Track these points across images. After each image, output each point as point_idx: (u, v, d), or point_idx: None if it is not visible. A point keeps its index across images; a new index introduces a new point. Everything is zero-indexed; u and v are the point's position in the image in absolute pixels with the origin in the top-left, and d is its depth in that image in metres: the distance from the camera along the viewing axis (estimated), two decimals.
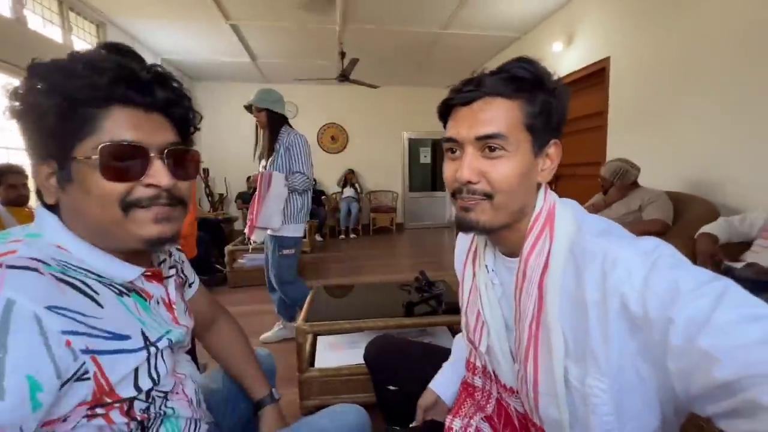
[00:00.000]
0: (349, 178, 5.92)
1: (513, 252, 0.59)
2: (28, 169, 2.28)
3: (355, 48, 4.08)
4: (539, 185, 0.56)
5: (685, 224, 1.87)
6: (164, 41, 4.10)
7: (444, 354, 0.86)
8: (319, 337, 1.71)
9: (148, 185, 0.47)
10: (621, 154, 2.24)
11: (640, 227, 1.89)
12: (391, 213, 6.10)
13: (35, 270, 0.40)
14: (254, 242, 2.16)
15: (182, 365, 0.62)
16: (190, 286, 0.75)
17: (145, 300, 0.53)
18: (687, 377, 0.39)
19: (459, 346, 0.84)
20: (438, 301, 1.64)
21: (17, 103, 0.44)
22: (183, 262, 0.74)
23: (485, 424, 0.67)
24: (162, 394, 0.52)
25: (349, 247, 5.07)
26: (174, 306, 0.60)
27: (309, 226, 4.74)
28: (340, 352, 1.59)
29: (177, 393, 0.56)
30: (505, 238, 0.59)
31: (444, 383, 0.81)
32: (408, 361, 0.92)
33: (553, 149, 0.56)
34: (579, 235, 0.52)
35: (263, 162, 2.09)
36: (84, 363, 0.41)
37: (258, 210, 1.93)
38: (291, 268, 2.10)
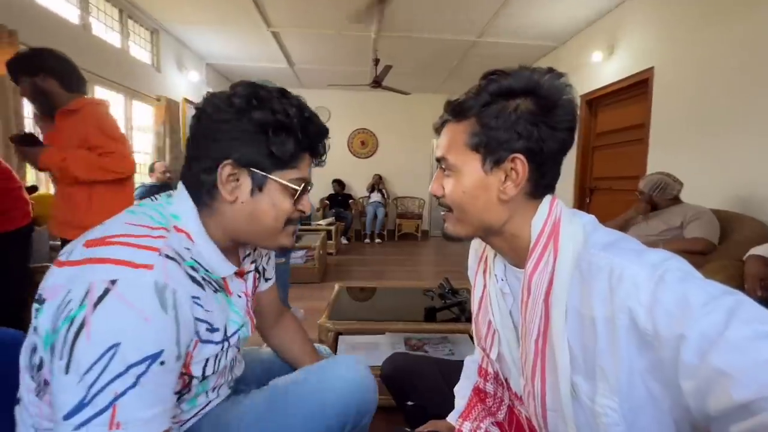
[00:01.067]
0: (376, 184, 5.99)
1: (520, 263, 0.58)
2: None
3: (389, 55, 4.15)
4: (504, 201, 0.54)
5: (733, 245, 1.75)
6: (209, 47, 4.34)
7: (456, 368, 0.86)
8: (340, 337, 1.73)
9: (299, 210, 0.61)
10: (662, 168, 2.13)
11: (680, 245, 1.79)
12: (416, 220, 6.09)
13: (179, 264, 0.51)
14: None
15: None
16: (267, 280, 0.83)
17: (228, 296, 0.63)
18: (702, 396, 0.37)
19: (470, 370, 0.81)
20: (461, 308, 1.62)
21: (237, 117, 0.54)
22: (269, 258, 0.83)
23: (495, 428, 0.67)
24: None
25: (374, 252, 5.10)
26: (249, 298, 0.69)
27: (335, 228, 4.83)
28: (360, 353, 1.61)
29: None
30: (499, 248, 0.60)
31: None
32: (422, 377, 0.93)
33: (518, 164, 0.52)
34: (585, 249, 0.50)
35: None
36: (192, 340, 0.53)
37: None
38: (282, 277, 1.94)
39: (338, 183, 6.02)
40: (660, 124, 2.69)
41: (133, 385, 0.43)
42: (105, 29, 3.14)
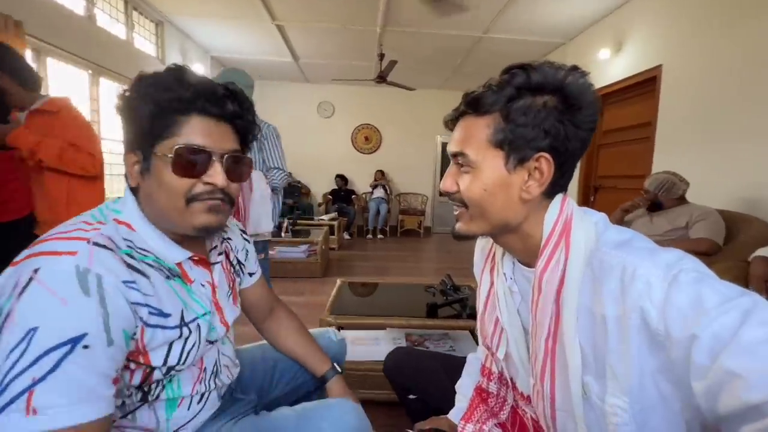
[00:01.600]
0: (379, 179, 5.98)
1: (530, 262, 0.57)
2: None
3: (393, 50, 4.12)
4: (526, 200, 0.53)
5: (739, 246, 1.73)
6: (214, 40, 4.33)
7: (459, 364, 0.86)
8: (341, 332, 1.74)
9: (206, 183, 0.55)
10: (669, 167, 2.11)
11: (685, 246, 1.77)
12: (419, 216, 6.08)
13: (111, 250, 0.50)
14: None
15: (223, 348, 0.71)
16: (250, 275, 0.83)
17: (187, 284, 0.60)
18: (713, 397, 0.37)
19: (472, 367, 0.80)
20: (462, 305, 1.62)
21: (121, 103, 0.55)
22: (246, 252, 0.81)
23: (498, 430, 0.67)
24: (178, 372, 0.59)
25: (376, 247, 5.10)
26: (216, 288, 0.66)
27: (338, 223, 4.83)
28: (361, 348, 1.61)
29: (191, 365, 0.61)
30: (511, 246, 0.58)
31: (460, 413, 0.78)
32: (425, 372, 0.94)
33: (543, 164, 0.51)
34: (597, 247, 0.49)
35: None
36: (138, 327, 0.52)
37: (246, 217, 1.72)
38: (263, 275, 1.88)
39: (341, 178, 6.01)
40: (667, 122, 2.66)
41: (53, 370, 0.41)
42: (110, 21, 3.13)
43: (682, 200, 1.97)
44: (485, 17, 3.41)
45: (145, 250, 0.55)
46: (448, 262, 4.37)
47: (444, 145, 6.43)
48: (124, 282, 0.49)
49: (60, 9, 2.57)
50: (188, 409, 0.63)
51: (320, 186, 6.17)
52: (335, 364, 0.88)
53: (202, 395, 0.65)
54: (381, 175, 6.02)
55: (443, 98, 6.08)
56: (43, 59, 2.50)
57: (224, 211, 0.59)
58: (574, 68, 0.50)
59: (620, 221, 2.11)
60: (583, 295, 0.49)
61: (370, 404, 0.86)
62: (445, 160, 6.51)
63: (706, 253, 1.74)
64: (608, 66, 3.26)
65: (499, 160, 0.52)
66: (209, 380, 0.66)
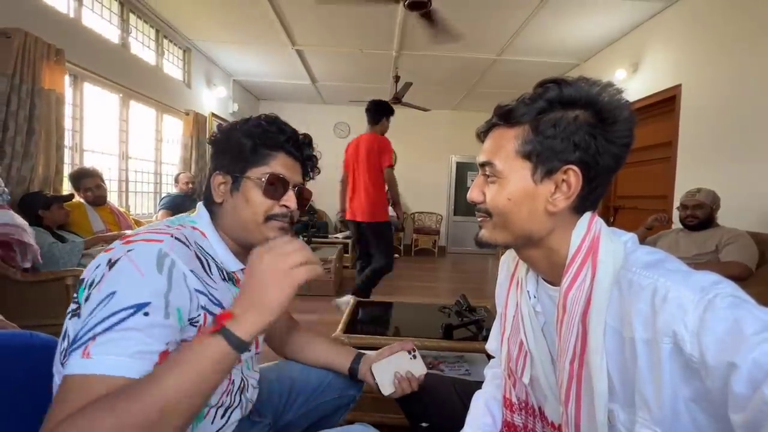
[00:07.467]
0: None
1: (554, 280, 0.56)
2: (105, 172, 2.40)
3: (409, 72, 4.22)
4: (552, 213, 0.52)
5: None
6: (237, 64, 4.54)
7: (474, 390, 0.82)
8: None
9: (282, 206, 0.68)
10: (693, 188, 2.05)
11: (715, 269, 1.68)
12: (433, 235, 6.04)
13: (187, 245, 0.60)
14: None
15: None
16: None
17: (238, 288, 0.68)
18: (754, 430, 0.34)
19: (479, 408, 0.75)
20: (478, 327, 1.58)
21: (221, 137, 0.70)
22: None
23: None
24: None
25: None
26: None
27: (352, 241, 4.83)
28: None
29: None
30: (534, 261, 0.57)
31: None
32: (437, 398, 0.90)
33: (570, 176, 0.50)
34: (625, 267, 0.48)
35: None
36: (199, 314, 0.58)
37: None
38: None
39: None
40: (689, 141, 2.61)
41: (115, 325, 0.48)
42: (142, 48, 3.33)
43: (712, 223, 1.91)
44: (500, 40, 3.47)
45: (211, 254, 0.65)
46: (462, 282, 4.29)
47: (458, 165, 6.44)
48: (191, 270, 0.58)
49: (97, 38, 2.76)
50: (212, 423, 0.63)
51: (335, 204, 6.22)
52: (358, 353, 0.92)
53: (226, 409, 0.65)
54: None
55: (458, 118, 6.13)
56: (80, 84, 2.66)
57: (289, 231, 0.71)
58: (609, 84, 0.50)
59: (642, 241, 2.04)
60: (611, 316, 0.47)
61: (383, 428, 0.83)
62: (459, 180, 6.50)
63: (738, 278, 1.65)
64: (624, 86, 3.23)
65: (526, 171, 0.52)
66: (236, 393, 0.67)
